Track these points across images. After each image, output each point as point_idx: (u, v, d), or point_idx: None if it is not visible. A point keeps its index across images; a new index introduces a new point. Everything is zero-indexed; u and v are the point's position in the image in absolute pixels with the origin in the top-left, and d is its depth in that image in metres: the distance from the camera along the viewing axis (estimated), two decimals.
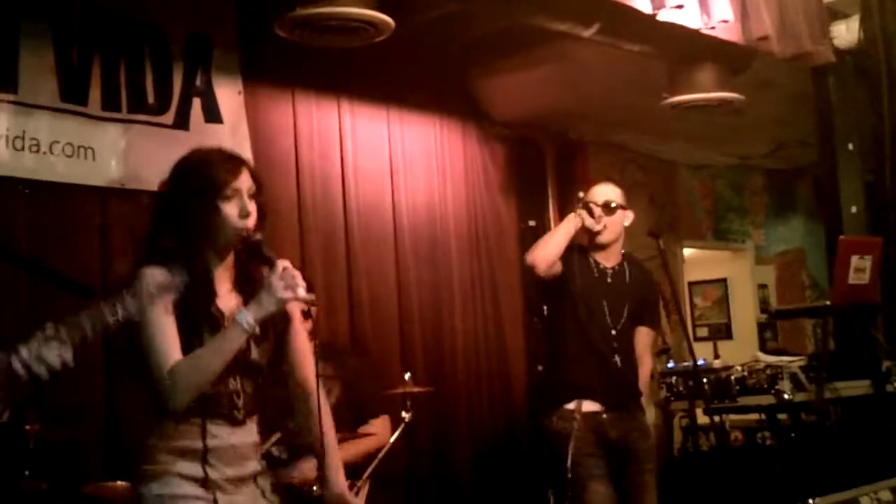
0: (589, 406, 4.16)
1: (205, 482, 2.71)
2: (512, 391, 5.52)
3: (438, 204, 5.75)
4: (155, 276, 2.64)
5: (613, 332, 4.25)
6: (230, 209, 2.68)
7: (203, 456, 2.71)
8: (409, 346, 5.31)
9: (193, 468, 2.70)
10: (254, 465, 2.82)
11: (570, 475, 4.02)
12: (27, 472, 3.59)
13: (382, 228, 5.44)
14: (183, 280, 2.65)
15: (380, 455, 3.77)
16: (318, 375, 2.88)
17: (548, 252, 4.17)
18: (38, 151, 4.26)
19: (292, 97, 5.21)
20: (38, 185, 4.22)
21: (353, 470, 3.83)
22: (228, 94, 4.90)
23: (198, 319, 2.71)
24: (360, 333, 5.14)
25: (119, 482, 3.68)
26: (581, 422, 4.08)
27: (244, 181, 2.72)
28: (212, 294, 2.73)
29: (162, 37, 4.68)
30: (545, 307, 4.53)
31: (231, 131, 4.87)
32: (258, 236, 2.69)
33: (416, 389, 3.81)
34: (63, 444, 3.81)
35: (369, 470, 3.76)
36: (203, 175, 2.70)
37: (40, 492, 3.56)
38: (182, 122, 4.73)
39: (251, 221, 2.70)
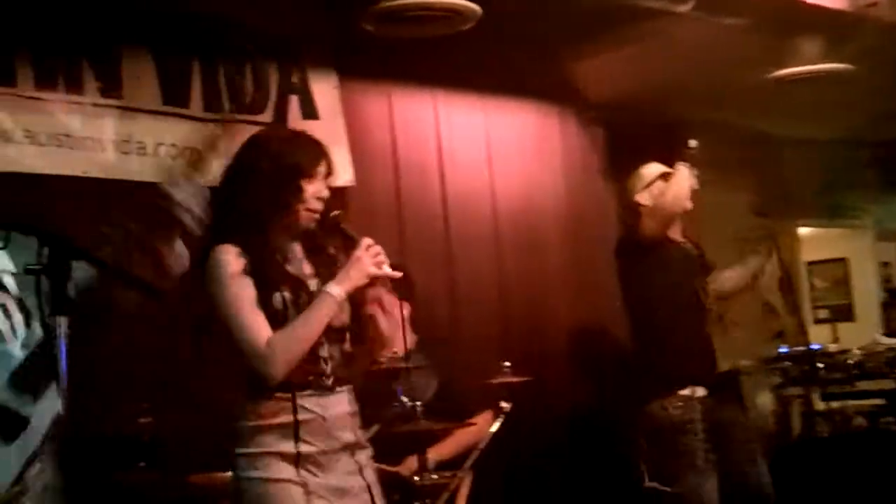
0: (698, 391, 4.16)
1: (297, 459, 2.76)
2: (612, 378, 5.46)
3: (537, 191, 5.72)
4: (230, 253, 2.71)
5: (709, 309, 4.25)
6: (310, 191, 2.81)
7: (295, 432, 2.76)
8: (508, 335, 5.30)
9: (287, 446, 2.76)
10: (349, 436, 2.86)
11: (679, 461, 4.00)
12: (142, 464, 3.72)
13: (480, 218, 5.44)
14: (258, 256, 2.74)
15: (480, 446, 3.78)
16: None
17: (682, 201, 4.35)
18: (143, 154, 4.40)
19: (388, 90, 5.25)
20: (146, 187, 4.36)
21: (454, 462, 3.86)
22: (324, 90, 4.97)
23: (278, 291, 2.78)
24: (458, 325, 5.16)
25: (228, 473, 3.77)
26: (692, 407, 4.08)
27: (324, 164, 2.85)
28: (284, 269, 2.81)
29: (257, 37, 4.77)
30: (642, 293, 4.51)
31: (328, 126, 4.93)
32: (337, 213, 2.79)
33: (514, 379, 3.81)
34: (174, 434, 3.92)
35: (470, 461, 3.78)
36: (291, 156, 2.81)
37: (151, 482, 3.68)
38: (280, 120, 4.81)
39: (323, 203, 2.84)
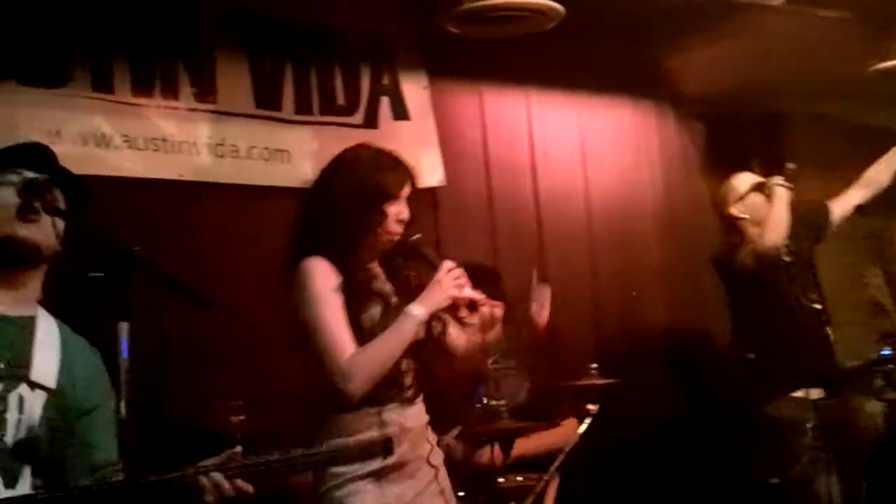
0: (813, 392, 4.10)
1: (380, 473, 2.78)
2: (713, 379, 5.35)
3: (633, 189, 5.64)
4: (321, 266, 2.74)
5: (820, 307, 4.17)
6: (392, 213, 2.81)
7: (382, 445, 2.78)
8: (602, 336, 5.24)
9: (373, 463, 2.78)
10: (426, 445, 2.89)
11: (792, 463, 3.96)
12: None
13: (574, 216, 5.39)
14: (349, 272, 2.76)
15: (566, 448, 3.75)
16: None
17: (782, 233, 4.22)
18: (237, 157, 4.49)
19: (479, 89, 5.24)
20: (238, 189, 4.45)
21: (541, 464, 3.83)
22: (415, 91, 5.00)
23: (367, 309, 2.80)
24: (551, 325, 5.11)
25: None
26: (805, 409, 4.03)
27: (408, 187, 2.84)
28: (373, 287, 2.83)
29: (348, 40, 4.83)
30: (749, 294, 4.44)
31: (418, 126, 4.97)
32: (417, 236, 2.78)
33: (601, 382, 3.76)
34: (264, 434, 3.99)
35: (557, 463, 3.75)
36: (375, 179, 2.82)
37: None
38: (371, 121, 4.86)
39: (402, 226, 2.82)
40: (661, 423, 5.16)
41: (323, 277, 2.74)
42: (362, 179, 2.83)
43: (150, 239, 4.17)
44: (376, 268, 2.92)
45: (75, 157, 3.96)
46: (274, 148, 4.57)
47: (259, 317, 4.01)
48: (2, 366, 2.03)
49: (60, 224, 2.08)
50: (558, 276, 5.20)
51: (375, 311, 2.82)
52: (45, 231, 2.06)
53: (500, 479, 3.64)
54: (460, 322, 3.36)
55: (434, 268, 2.83)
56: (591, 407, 3.78)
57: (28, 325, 2.13)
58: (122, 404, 1.77)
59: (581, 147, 5.50)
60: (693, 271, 5.47)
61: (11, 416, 2.02)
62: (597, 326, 5.27)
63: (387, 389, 2.81)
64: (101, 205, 3.87)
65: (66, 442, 2.11)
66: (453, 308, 3.96)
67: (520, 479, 3.68)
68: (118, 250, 1.83)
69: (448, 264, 2.82)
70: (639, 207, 5.62)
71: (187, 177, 4.31)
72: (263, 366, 4.07)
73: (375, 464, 2.77)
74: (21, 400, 2.04)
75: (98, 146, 4.10)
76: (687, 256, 5.57)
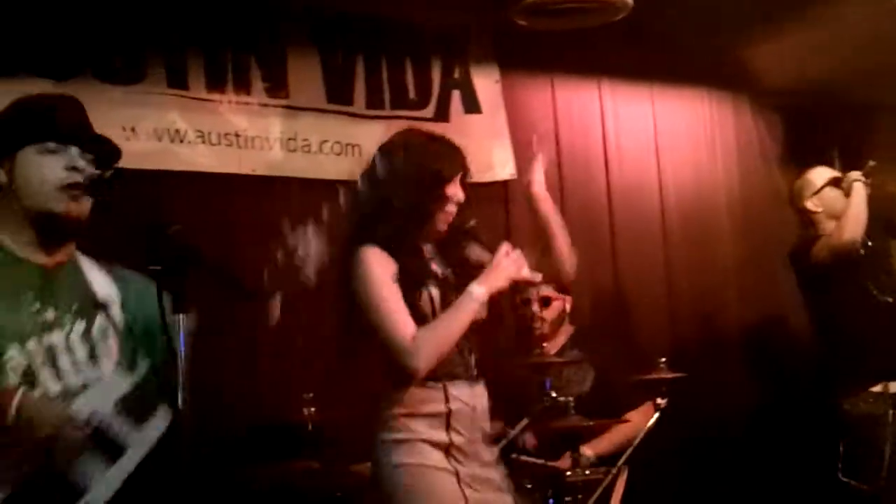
0: (893, 386, 4.06)
1: (448, 448, 2.80)
2: (789, 374, 5.25)
3: (708, 181, 5.56)
4: (376, 253, 2.77)
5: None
6: (449, 197, 2.87)
7: (447, 420, 2.81)
8: (677, 328, 5.17)
9: (438, 434, 2.81)
10: (488, 428, 2.95)
11: (874, 457, 3.90)
12: (303, 453, 3.84)
13: (647, 209, 5.33)
14: (405, 256, 2.79)
15: (635, 442, 3.71)
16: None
17: (860, 229, 4.19)
18: (308, 151, 4.54)
19: (551, 81, 5.22)
20: (310, 183, 4.50)
21: (611, 457, 3.80)
22: (486, 84, 4.99)
23: (425, 290, 2.83)
24: (624, 317, 5.08)
25: None
26: (884, 403, 3.98)
27: (462, 169, 2.92)
28: (431, 268, 2.88)
29: (419, 33, 4.84)
30: (824, 288, 4.37)
31: (490, 120, 4.96)
32: (473, 222, 2.82)
33: (669, 375, 3.72)
34: (335, 425, 4.03)
35: (625, 457, 3.71)
36: (434, 162, 2.87)
37: (313, 471, 3.80)
38: (442, 115, 4.87)
39: (459, 199, 2.89)
40: (735, 418, 5.08)
41: (379, 264, 2.80)
42: (420, 165, 2.87)
43: (223, 233, 4.28)
44: (432, 251, 2.96)
45: (150, 152, 4.07)
46: (345, 142, 4.61)
47: (328, 307, 4.04)
48: (76, 306, 2.20)
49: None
50: (630, 270, 5.18)
51: (432, 294, 2.86)
52: (85, 204, 2.16)
53: (568, 473, 3.62)
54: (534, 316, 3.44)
55: (489, 252, 2.87)
56: (659, 401, 3.73)
57: (77, 267, 2.30)
58: (180, 395, 1.81)
59: (654, 139, 5.44)
60: (769, 265, 5.38)
61: (101, 348, 2.20)
62: (670, 321, 5.20)
63: (453, 366, 2.84)
64: (173, 199, 4.04)
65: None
66: (526, 303, 3.98)
67: (587, 472, 3.65)
68: (175, 244, 1.88)
69: (506, 247, 2.85)
70: (714, 200, 5.53)
71: (260, 171, 4.38)
72: (332, 356, 4.10)
73: (438, 437, 2.81)
74: (104, 332, 2.21)
75: (172, 142, 4.18)
76: (763, 251, 5.47)
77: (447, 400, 2.84)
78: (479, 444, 2.89)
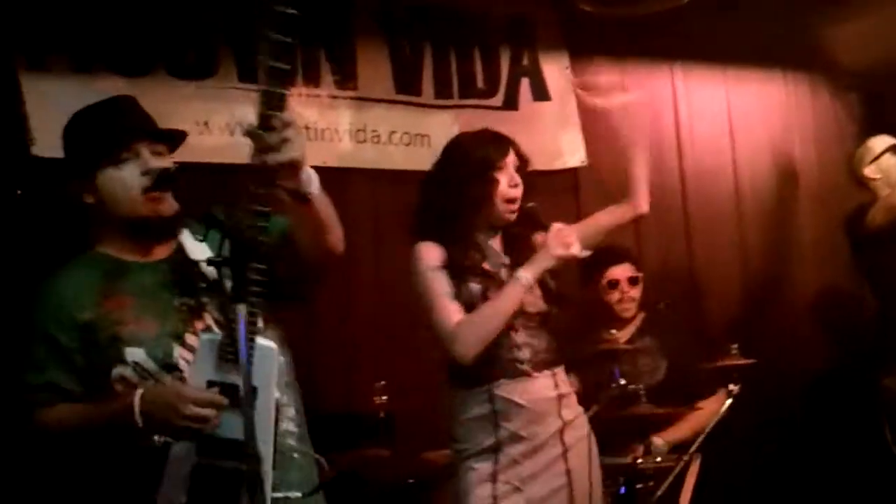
0: None
1: (496, 448, 2.82)
2: (860, 354, 5.12)
3: (784, 163, 5.45)
4: (429, 248, 2.82)
5: None
6: (503, 182, 2.90)
7: (493, 421, 2.82)
8: (750, 313, 5.08)
9: (485, 437, 2.84)
10: (554, 420, 2.88)
11: None
12: (374, 441, 3.88)
13: (722, 192, 5.26)
14: (455, 250, 2.81)
15: (707, 429, 3.67)
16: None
17: None
18: (378, 142, 4.58)
19: (621, 67, 5.16)
20: (380, 174, 4.54)
21: (683, 446, 3.77)
22: (555, 71, 4.97)
23: (471, 283, 2.87)
24: (698, 302, 5.02)
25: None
26: None
27: (511, 157, 2.92)
28: (477, 262, 2.91)
29: (487, 22, 4.84)
30: (877, 255, 4.29)
31: (559, 107, 4.94)
32: (532, 205, 2.83)
33: (742, 362, 3.67)
34: (406, 413, 4.06)
35: (696, 444, 3.68)
36: (478, 151, 2.93)
37: (383, 458, 3.84)
38: (511, 103, 4.87)
39: (519, 191, 2.90)
40: (810, 403, 4.98)
41: (429, 257, 2.86)
42: (465, 153, 2.96)
43: None
44: (492, 241, 2.97)
45: (223, 146, 4.15)
46: (414, 133, 4.64)
47: (400, 298, 4.08)
48: (203, 285, 2.26)
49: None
50: (704, 255, 5.12)
51: (472, 289, 2.89)
52: (172, 202, 2.21)
53: (639, 461, 3.60)
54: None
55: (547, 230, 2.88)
56: (732, 387, 3.68)
57: (180, 251, 2.33)
58: (242, 385, 1.84)
59: (729, 122, 5.36)
60: (847, 249, 5.25)
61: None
62: (743, 306, 5.12)
63: (496, 365, 2.86)
64: (239, 191, 4.10)
65: None
66: (614, 284, 3.95)
67: (658, 459, 3.63)
68: (235, 235, 1.91)
69: (556, 226, 2.85)
70: (790, 182, 5.42)
71: (330, 163, 4.42)
72: (404, 346, 4.14)
73: (487, 442, 2.84)
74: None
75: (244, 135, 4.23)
76: (841, 233, 5.34)
77: (492, 401, 2.85)
78: (536, 440, 2.88)
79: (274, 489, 2.13)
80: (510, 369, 2.87)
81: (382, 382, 3.98)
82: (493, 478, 2.82)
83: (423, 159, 4.56)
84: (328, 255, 2.24)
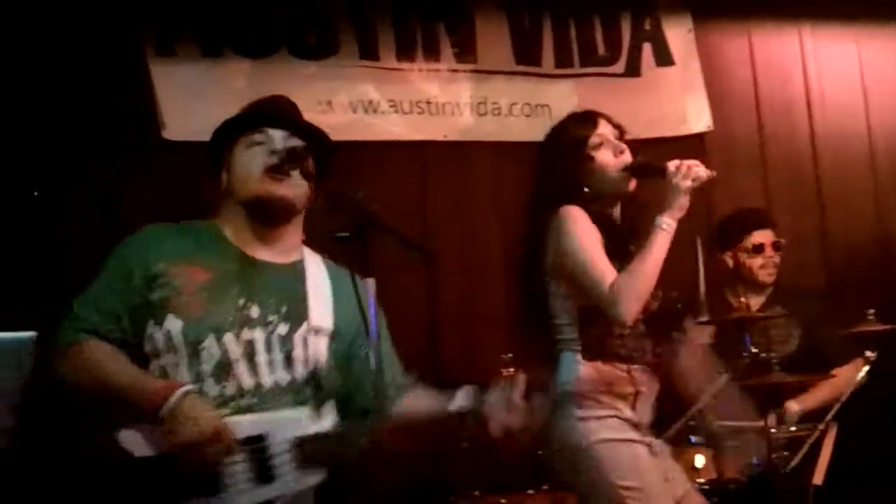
0: None
1: (637, 426, 2.82)
2: None
3: None
4: (577, 210, 2.81)
5: None
6: (603, 155, 2.86)
7: (633, 401, 2.83)
8: (888, 278, 4.90)
9: (627, 411, 2.82)
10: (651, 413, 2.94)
11: None
12: None
13: (855, 155, 5.05)
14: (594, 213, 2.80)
15: (843, 398, 3.57)
16: None
17: None
18: (498, 114, 4.57)
19: (747, 28, 5.03)
20: (501, 146, 4.54)
21: (818, 414, 3.67)
22: (678, 35, 4.87)
23: (614, 244, 2.84)
24: (832, 269, 4.87)
25: None
26: None
27: (605, 129, 2.93)
28: (617, 229, 2.90)
29: None
30: None
31: (682, 71, 4.85)
32: (640, 158, 2.81)
33: (879, 328, 3.54)
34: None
35: (832, 412, 3.57)
36: (567, 135, 2.97)
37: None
38: (633, 70, 4.80)
39: (627, 157, 2.89)
40: None
41: (579, 217, 2.82)
42: (562, 138, 3.00)
43: (418, 199, 4.38)
44: (615, 212, 2.95)
45: (345, 124, 4.20)
46: (535, 104, 4.61)
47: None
48: (284, 309, 2.24)
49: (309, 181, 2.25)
50: (837, 221, 4.96)
51: (623, 241, 2.88)
52: (296, 187, 2.23)
53: (773, 430, 3.51)
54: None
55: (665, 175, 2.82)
56: (869, 354, 3.56)
57: (299, 270, 2.35)
58: (372, 356, 1.87)
59: (861, 82, 5.15)
60: None
61: (298, 353, 2.23)
62: (880, 271, 4.93)
63: (634, 350, 2.87)
64: (368, 169, 4.16)
65: (340, 381, 2.30)
66: (759, 248, 3.87)
67: (793, 428, 3.55)
68: (360, 211, 1.94)
69: (674, 163, 2.79)
70: None
71: (451, 137, 4.45)
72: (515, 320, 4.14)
73: (626, 413, 2.83)
74: (305, 340, 2.24)
75: (366, 112, 4.30)
76: None
77: (633, 382, 2.85)
78: (649, 428, 2.92)
79: None
80: (641, 357, 2.89)
81: (510, 354, 3.99)
82: (651, 450, 2.86)
83: (543, 130, 4.53)
84: None
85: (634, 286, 2.73)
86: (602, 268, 2.76)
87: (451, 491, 3.65)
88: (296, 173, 2.21)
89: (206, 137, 2.46)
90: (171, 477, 2.02)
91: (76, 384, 2.21)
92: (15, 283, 3.66)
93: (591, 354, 2.84)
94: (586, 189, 2.88)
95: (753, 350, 3.43)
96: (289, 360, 2.21)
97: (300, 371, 2.21)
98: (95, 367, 2.17)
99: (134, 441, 2.07)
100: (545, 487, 3.66)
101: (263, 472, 2.09)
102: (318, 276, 2.34)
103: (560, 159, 2.92)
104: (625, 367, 2.85)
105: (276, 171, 2.21)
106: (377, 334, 1.91)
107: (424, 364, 4.06)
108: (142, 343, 2.21)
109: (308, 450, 2.13)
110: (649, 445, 2.87)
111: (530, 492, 3.64)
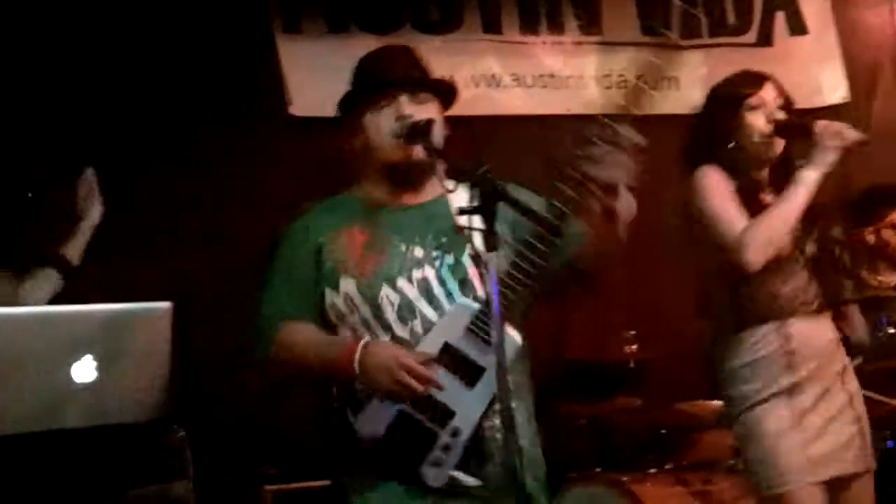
0: None
1: (791, 390, 2.70)
2: None
3: None
4: (714, 170, 2.75)
5: None
6: (755, 119, 2.75)
7: (787, 362, 2.72)
8: None
9: (780, 380, 2.70)
10: (837, 364, 2.78)
11: None
12: (624, 390, 3.86)
13: None
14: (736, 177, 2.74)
15: None
16: None
17: None
18: (624, 87, 4.48)
19: None
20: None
21: None
22: (814, 2, 4.72)
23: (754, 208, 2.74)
24: None
25: (713, 402, 3.76)
26: None
27: (768, 93, 2.78)
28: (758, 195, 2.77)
29: None
30: None
31: (816, 41, 4.70)
32: (781, 116, 2.72)
33: None
34: (657, 363, 4.00)
35: None
36: (725, 88, 2.86)
37: (634, 408, 3.81)
38: (765, 39, 4.67)
39: (772, 127, 2.74)
40: None
41: (717, 178, 2.75)
42: (714, 91, 2.90)
43: (541, 174, 4.33)
44: (763, 176, 2.85)
45: (468, 99, 4.17)
46: (661, 74, 4.50)
47: (650, 244, 4.01)
48: (444, 240, 2.28)
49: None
50: None
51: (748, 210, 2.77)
52: (422, 154, 2.25)
53: None
54: None
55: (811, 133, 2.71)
56: None
57: (444, 202, 2.31)
58: (494, 332, 1.86)
59: None
60: None
61: (472, 273, 2.25)
62: None
63: (790, 301, 2.73)
64: (491, 144, 4.15)
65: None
66: None
67: None
68: (486, 184, 1.92)
69: (822, 123, 2.69)
70: None
71: (575, 110, 4.39)
72: (654, 295, 4.08)
73: (784, 382, 2.70)
74: (474, 260, 2.24)
75: (489, 87, 4.29)
76: None
77: (786, 339, 2.74)
78: (827, 385, 2.73)
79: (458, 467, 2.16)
80: (801, 306, 2.76)
81: (632, 332, 3.94)
82: (795, 423, 2.71)
83: (672, 103, 4.46)
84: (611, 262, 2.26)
85: (765, 232, 2.64)
86: (731, 216, 2.69)
87: (570, 467, 3.62)
88: (424, 140, 2.23)
89: (332, 113, 2.49)
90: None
91: (290, 371, 2.36)
92: (157, 252, 3.82)
93: (734, 326, 2.76)
94: (731, 145, 2.78)
95: (891, 330, 3.30)
96: (464, 285, 2.24)
97: (481, 291, 2.22)
98: (295, 353, 2.29)
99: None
100: (668, 466, 3.60)
101: (468, 371, 2.14)
102: (458, 194, 2.37)
103: (711, 112, 2.86)
104: (774, 325, 2.74)
105: (406, 135, 2.23)
106: (500, 314, 1.89)
107: (550, 340, 4.09)
108: (327, 314, 2.29)
109: (481, 326, 2.15)
110: (801, 415, 2.70)
111: (652, 470, 3.58)
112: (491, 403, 2.13)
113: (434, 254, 2.28)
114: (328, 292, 2.28)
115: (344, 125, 2.37)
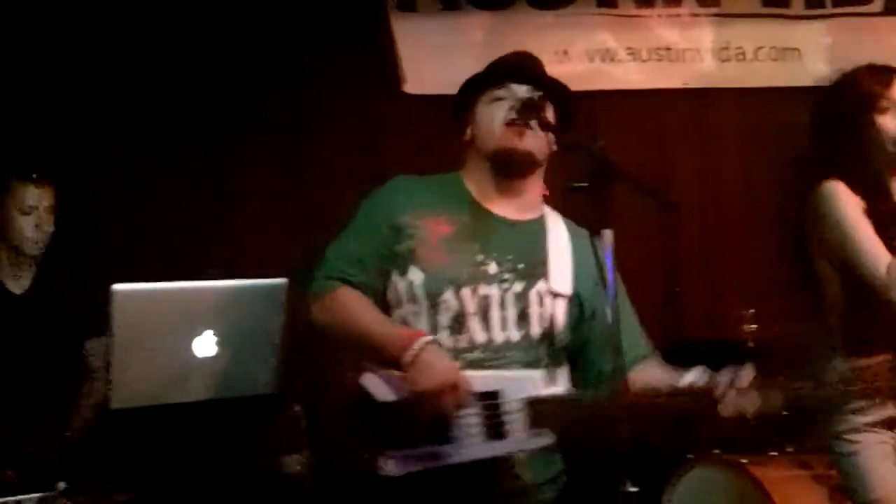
0: None
1: (892, 423, 2.60)
2: None
3: None
4: (840, 190, 2.57)
5: None
6: (887, 122, 2.57)
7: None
8: None
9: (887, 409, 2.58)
10: None
11: None
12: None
13: None
14: (869, 195, 2.57)
15: None
16: None
17: None
18: (743, 59, 4.38)
19: None
20: (745, 92, 4.35)
21: None
22: None
23: (890, 235, 2.60)
24: None
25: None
26: None
27: None
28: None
29: None
30: None
31: None
32: None
33: None
34: (775, 342, 3.90)
35: None
36: (851, 91, 2.60)
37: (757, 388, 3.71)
38: (893, 7, 4.46)
39: None
40: None
41: (848, 198, 2.57)
42: (847, 91, 2.63)
43: (658, 147, 4.27)
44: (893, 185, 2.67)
45: (582, 74, 4.15)
46: (782, 47, 4.39)
47: (769, 223, 3.91)
48: (521, 266, 2.24)
49: (551, 134, 2.22)
50: None
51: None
52: (537, 139, 2.22)
53: None
54: None
55: None
56: None
57: (538, 228, 2.32)
58: (608, 312, 1.83)
59: None
60: None
61: (533, 311, 2.22)
62: None
63: None
64: (606, 119, 4.10)
65: (576, 343, 2.28)
66: None
67: None
68: (599, 159, 1.89)
69: None
70: None
71: (692, 84, 4.31)
72: (773, 275, 3.96)
73: (891, 410, 2.58)
74: (541, 299, 2.23)
75: (603, 61, 4.23)
76: None
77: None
78: None
79: None
80: None
81: (752, 310, 3.85)
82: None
83: (793, 75, 4.35)
84: None
85: None
86: (873, 247, 2.53)
87: (690, 449, 3.56)
88: (535, 124, 2.19)
89: (446, 91, 2.48)
90: (407, 422, 2.07)
91: (327, 328, 2.28)
92: (270, 232, 3.90)
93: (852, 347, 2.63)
94: (863, 158, 2.57)
95: None
96: (522, 318, 2.20)
97: (534, 330, 2.21)
98: (346, 313, 2.24)
99: (377, 386, 2.14)
100: (790, 450, 3.51)
101: (495, 427, 2.09)
102: (559, 236, 2.31)
103: (839, 118, 2.61)
104: (888, 356, 2.60)
105: (516, 123, 2.20)
106: (615, 293, 1.85)
107: (665, 317, 4.03)
108: (384, 291, 2.26)
109: (541, 411, 2.11)
110: None
111: (773, 453, 3.49)
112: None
113: (506, 276, 2.23)
114: (395, 274, 2.25)
115: (459, 111, 2.36)
